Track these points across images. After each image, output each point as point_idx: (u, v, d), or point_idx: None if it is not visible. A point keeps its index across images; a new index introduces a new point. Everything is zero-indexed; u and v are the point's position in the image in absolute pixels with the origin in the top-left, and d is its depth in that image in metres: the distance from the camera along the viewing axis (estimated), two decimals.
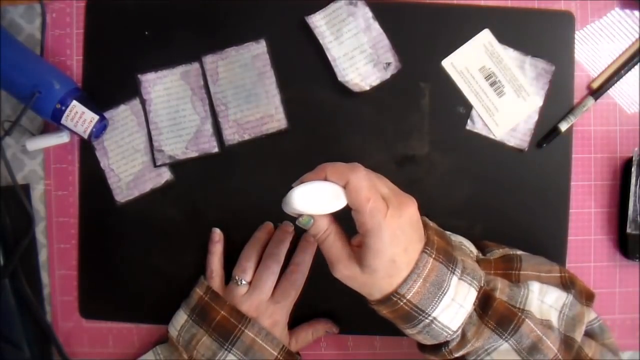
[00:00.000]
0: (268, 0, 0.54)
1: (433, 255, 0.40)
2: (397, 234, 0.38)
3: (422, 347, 0.45)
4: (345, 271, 0.40)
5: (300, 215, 0.41)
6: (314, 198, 0.39)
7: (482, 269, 0.44)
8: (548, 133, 0.53)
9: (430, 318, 0.40)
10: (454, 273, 0.41)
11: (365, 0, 0.53)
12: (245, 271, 0.50)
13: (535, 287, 0.44)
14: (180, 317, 0.49)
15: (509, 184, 0.53)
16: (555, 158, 0.54)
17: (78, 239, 0.55)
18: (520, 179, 0.53)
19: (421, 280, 0.39)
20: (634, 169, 0.52)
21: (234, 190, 0.54)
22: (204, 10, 0.54)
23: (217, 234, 0.53)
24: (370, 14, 0.53)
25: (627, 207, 0.53)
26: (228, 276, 0.52)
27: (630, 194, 0.52)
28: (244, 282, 0.50)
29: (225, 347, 0.47)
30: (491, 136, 0.53)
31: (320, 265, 0.53)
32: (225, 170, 0.54)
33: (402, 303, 0.39)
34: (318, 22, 0.53)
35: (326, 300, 0.54)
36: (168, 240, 0.54)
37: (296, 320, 0.52)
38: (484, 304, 0.42)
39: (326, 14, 0.53)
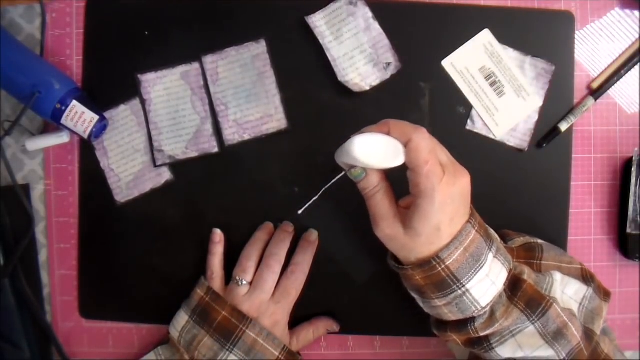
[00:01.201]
0: (268, 0, 0.54)
1: (476, 228, 0.41)
2: (447, 202, 0.39)
3: (442, 326, 0.45)
4: (388, 230, 0.40)
5: (353, 167, 0.41)
6: (374, 150, 0.39)
7: None
8: (548, 133, 0.53)
9: (463, 289, 0.40)
10: (490, 250, 0.41)
11: (365, 0, 0.53)
12: (246, 271, 0.50)
13: (557, 276, 0.44)
14: (181, 318, 0.49)
15: (509, 184, 0.53)
16: (555, 158, 0.54)
17: (78, 239, 0.55)
18: (520, 179, 0.53)
19: (462, 249, 0.40)
20: (634, 169, 0.52)
21: (234, 191, 0.54)
22: (204, 10, 0.54)
23: (218, 234, 0.53)
24: (370, 14, 0.53)
25: (627, 207, 0.53)
26: (228, 276, 0.52)
27: (630, 194, 0.52)
28: (244, 282, 0.50)
29: (227, 347, 0.47)
30: (491, 136, 0.53)
31: (321, 265, 0.53)
32: (225, 170, 0.54)
33: (440, 268, 0.40)
34: (318, 22, 0.53)
35: (326, 300, 0.54)
36: (168, 240, 0.54)
37: (296, 320, 0.52)
38: (513, 286, 0.42)
39: (326, 14, 0.53)
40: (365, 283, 0.54)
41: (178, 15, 0.54)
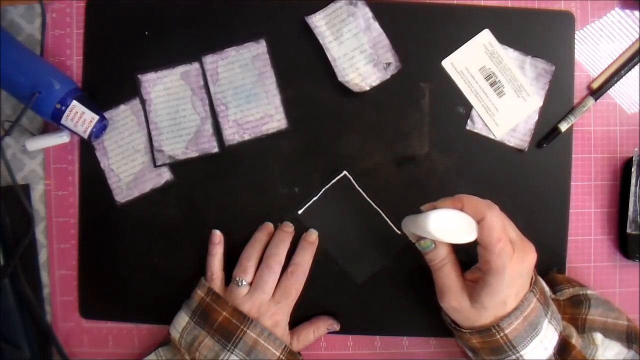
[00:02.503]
0: (268, 0, 0.54)
1: (537, 296, 0.42)
2: (515, 278, 0.40)
3: None
4: (454, 302, 0.42)
5: (422, 238, 0.42)
6: (448, 226, 0.40)
7: None
8: (548, 133, 0.53)
9: (518, 355, 0.41)
10: (546, 316, 0.42)
11: (365, 0, 0.53)
12: (246, 271, 0.50)
13: (599, 339, 0.45)
14: (182, 319, 0.49)
15: (509, 184, 0.53)
16: (555, 158, 0.54)
17: (78, 239, 0.55)
18: (520, 179, 0.53)
19: (522, 318, 0.41)
20: (634, 169, 0.52)
21: (234, 190, 0.54)
22: (204, 10, 0.54)
23: (218, 235, 0.53)
24: (370, 14, 0.53)
25: (627, 207, 0.53)
26: (228, 277, 0.52)
27: (630, 194, 0.52)
28: (244, 282, 0.50)
29: (228, 348, 0.47)
30: (491, 136, 0.53)
31: (321, 265, 0.53)
32: (225, 170, 0.54)
33: (498, 336, 0.41)
34: (318, 22, 0.53)
35: (326, 300, 0.54)
36: (168, 240, 0.54)
37: (297, 320, 0.52)
38: (562, 350, 0.43)
39: (326, 14, 0.53)
40: (365, 283, 0.54)
41: (178, 15, 0.54)
